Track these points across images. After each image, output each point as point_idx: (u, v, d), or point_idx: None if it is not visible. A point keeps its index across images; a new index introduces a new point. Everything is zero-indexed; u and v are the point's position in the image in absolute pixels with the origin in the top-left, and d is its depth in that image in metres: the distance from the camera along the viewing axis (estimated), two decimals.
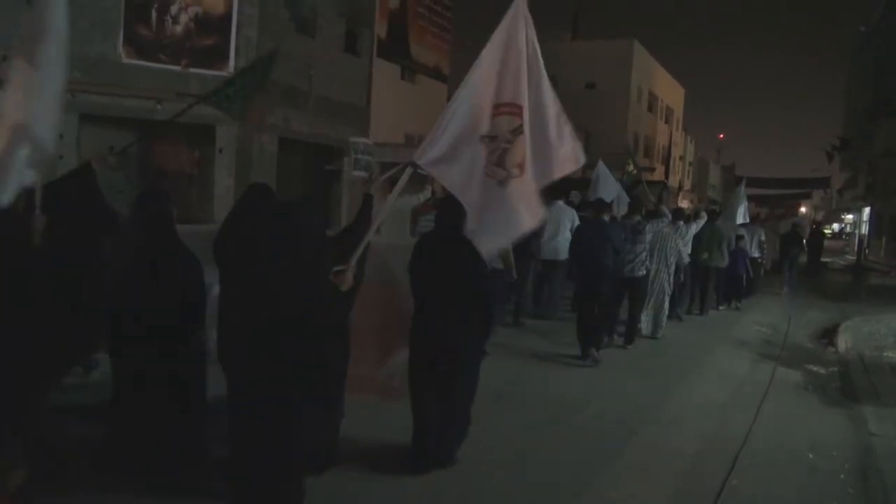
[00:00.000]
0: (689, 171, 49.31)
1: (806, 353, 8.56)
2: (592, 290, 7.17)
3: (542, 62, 3.74)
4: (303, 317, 2.59)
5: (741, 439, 5.00)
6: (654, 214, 8.57)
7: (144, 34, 11.72)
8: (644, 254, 7.94)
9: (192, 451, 3.70)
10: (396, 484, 3.86)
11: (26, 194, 4.17)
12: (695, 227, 9.78)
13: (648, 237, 8.08)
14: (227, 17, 12.30)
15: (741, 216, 12.71)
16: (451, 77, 21.76)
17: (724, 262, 11.02)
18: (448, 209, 4.07)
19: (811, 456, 4.78)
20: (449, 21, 20.86)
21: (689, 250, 9.79)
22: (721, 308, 11.66)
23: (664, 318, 8.78)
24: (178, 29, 12.00)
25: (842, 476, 4.47)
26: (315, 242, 2.83)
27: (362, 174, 12.49)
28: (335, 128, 15.24)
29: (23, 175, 3.48)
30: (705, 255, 10.47)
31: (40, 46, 3.61)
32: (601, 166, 11.76)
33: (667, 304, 8.74)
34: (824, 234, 24.24)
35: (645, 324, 8.60)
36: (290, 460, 2.80)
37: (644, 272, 8.04)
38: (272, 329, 2.59)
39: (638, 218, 8.15)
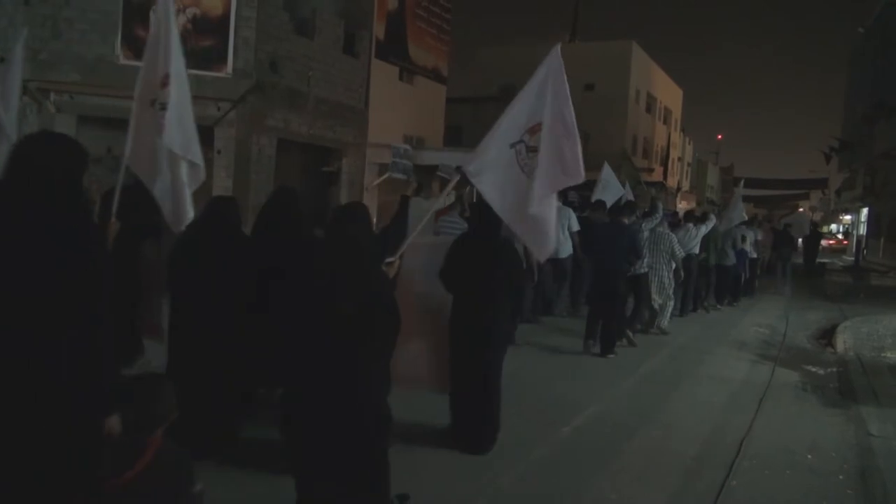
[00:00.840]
0: (687, 172, 49.35)
1: (805, 354, 8.57)
2: (609, 289, 7.46)
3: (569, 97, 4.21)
4: (370, 304, 2.96)
5: (740, 440, 5.00)
6: (648, 214, 9.02)
7: (142, 36, 11.69)
8: (644, 252, 8.33)
9: (216, 438, 3.92)
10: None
11: (104, 200, 4.44)
12: (704, 229, 10.28)
13: (644, 235, 8.46)
14: (224, 18, 12.28)
15: (739, 216, 12.99)
16: (450, 78, 21.78)
17: (730, 260, 11.51)
18: (484, 212, 4.47)
19: (810, 457, 4.79)
20: (447, 22, 20.86)
21: (697, 250, 10.29)
22: (720, 307, 11.90)
23: (668, 314, 9.08)
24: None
25: (841, 477, 4.47)
26: (371, 237, 3.28)
27: (400, 177, 12.74)
28: (334, 129, 15.23)
29: (189, 190, 4.12)
30: (703, 256, 10.76)
31: (174, 67, 4.14)
32: (606, 168, 11.89)
33: (670, 301, 9.05)
34: (821, 234, 24.42)
35: (649, 319, 8.95)
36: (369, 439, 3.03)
37: (645, 270, 8.44)
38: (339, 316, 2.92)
39: (633, 218, 8.47)
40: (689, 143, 50.00)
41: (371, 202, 16.37)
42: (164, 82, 4.06)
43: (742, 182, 16.63)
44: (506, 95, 29.29)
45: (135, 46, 11.70)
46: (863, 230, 35.80)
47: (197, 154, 4.16)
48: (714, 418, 5.56)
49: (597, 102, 30.49)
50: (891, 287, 18.42)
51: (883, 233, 30.34)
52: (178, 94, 4.08)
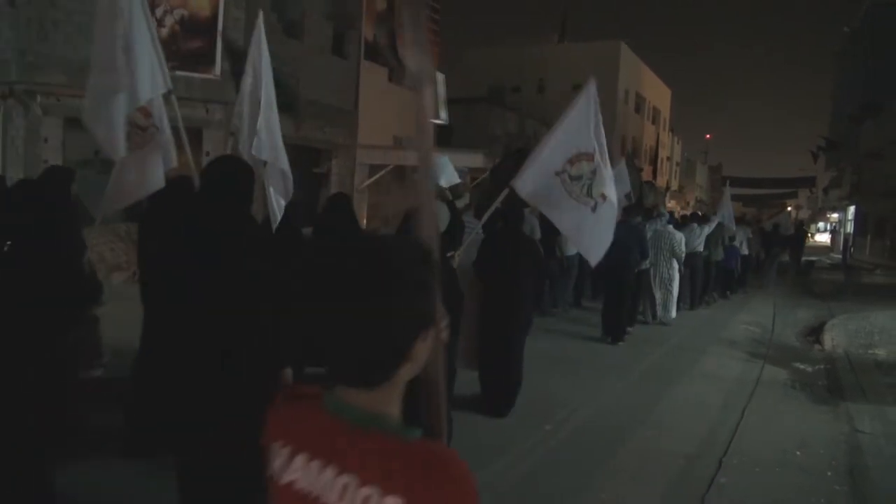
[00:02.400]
0: (675, 172, 49.58)
1: (793, 352, 8.63)
2: (619, 284, 8.30)
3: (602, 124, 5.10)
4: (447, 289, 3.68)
5: (730, 438, 5.04)
6: (654, 216, 9.99)
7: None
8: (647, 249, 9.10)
9: None
10: None
11: None
12: (707, 229, 11.29)
13: (648, 235, 9.12)
14: (212, 19, 12.23)
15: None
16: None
17: (721, 256, 12.48)
18: (509, 214, 5.41)
19: (799, 454, 4.82)
20: (436, 24, 20.87)
21: (702, 248, 11.23)
22: (718, 300, 12.76)
23: (672, 305, 9.81)
24: (164, 32, 11.91)
25: (829, 474, 4.51)
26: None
27: (457, 182, 13.44)
28: (323, 130, 15.20)
29: (280, 204, 4.52)
30: (706, 252, 11.62)
31: (265, 89, 4.81)
32: (622, 163, 12.11)
33: (674, 293, 9.81)
34: (806, 232, 25.26)
35: (654, 310, 9.71)
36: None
37: (647, 266, 9.12)
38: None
39: (639, 218, 9.14)
40: (678, 143, 50.23)
41: (361, 203, 16.35)
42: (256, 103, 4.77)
43: (728, 182, 17.40)
44: (494, 96, 29.42)
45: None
46: (850, 228, 36.08)
47: (285, 163, 4.62)
48: (705, 416, 5.59)
49: None
50: (878, 284, 18.58)
51: (869, 231, 30.60)
52: (266, 108, 4.71)
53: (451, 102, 23.32)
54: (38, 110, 11.13)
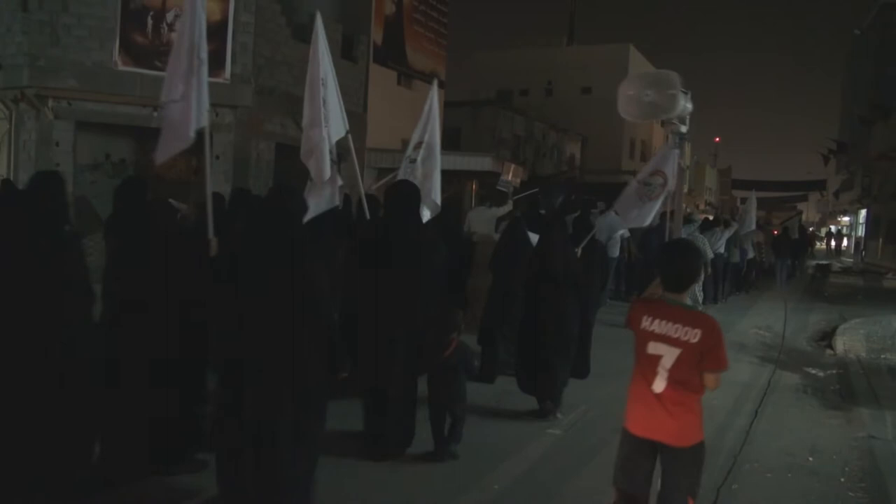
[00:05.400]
0: (685, 175, 49.35)
1: (804, 356, 8.56)
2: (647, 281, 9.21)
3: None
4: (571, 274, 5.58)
5: (741, 443, 5.00)
6: (687, 221, 10.76)
7: (140, 42, 11.70)
8: None
9: None
10: (384, 476, 3.84)
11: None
12: (728, 233, 12.39)
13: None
14: (223, 23, 12.28)
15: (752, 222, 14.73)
16: (447, 82, 21.79)
17: (737, 258, 13.69)
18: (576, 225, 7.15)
19: (811, 459, 4.78)
20: (445, 27, 20.89)
21: (723, 250, 12.36)
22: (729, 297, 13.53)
23: (700, 303, 10.42)
24: (175, 36, 11.98)
25: (842, 479, 4.47)
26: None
27: (504, 189, 14.38)
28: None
29: (425, 216, 5.85)
30: (726, 254, 12.63)
31: (427, 138, 6.31)
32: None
33: (700, 291, 10.59)
34: (809, 235, 25.70)
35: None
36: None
37: None
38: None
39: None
40: (688, 146, 50.01)
41: None
42: (418, 146, 6.30)
43: (753, 189, 18.27)
44: (502, 99, 29.37)
45: (132, 53, 11.69)
46: (861, 232, 35.79)
47: (437, 194, 6.25)
48: (715, 420, 5.52)
49: (594, 106, 30.54)
50: (891, 289, 18.42)
51: (881, 234, 30.35)
52: (429, 154, 6.26)
53: (459, 105, 23.35)
54: (50, 114, 11.20)
